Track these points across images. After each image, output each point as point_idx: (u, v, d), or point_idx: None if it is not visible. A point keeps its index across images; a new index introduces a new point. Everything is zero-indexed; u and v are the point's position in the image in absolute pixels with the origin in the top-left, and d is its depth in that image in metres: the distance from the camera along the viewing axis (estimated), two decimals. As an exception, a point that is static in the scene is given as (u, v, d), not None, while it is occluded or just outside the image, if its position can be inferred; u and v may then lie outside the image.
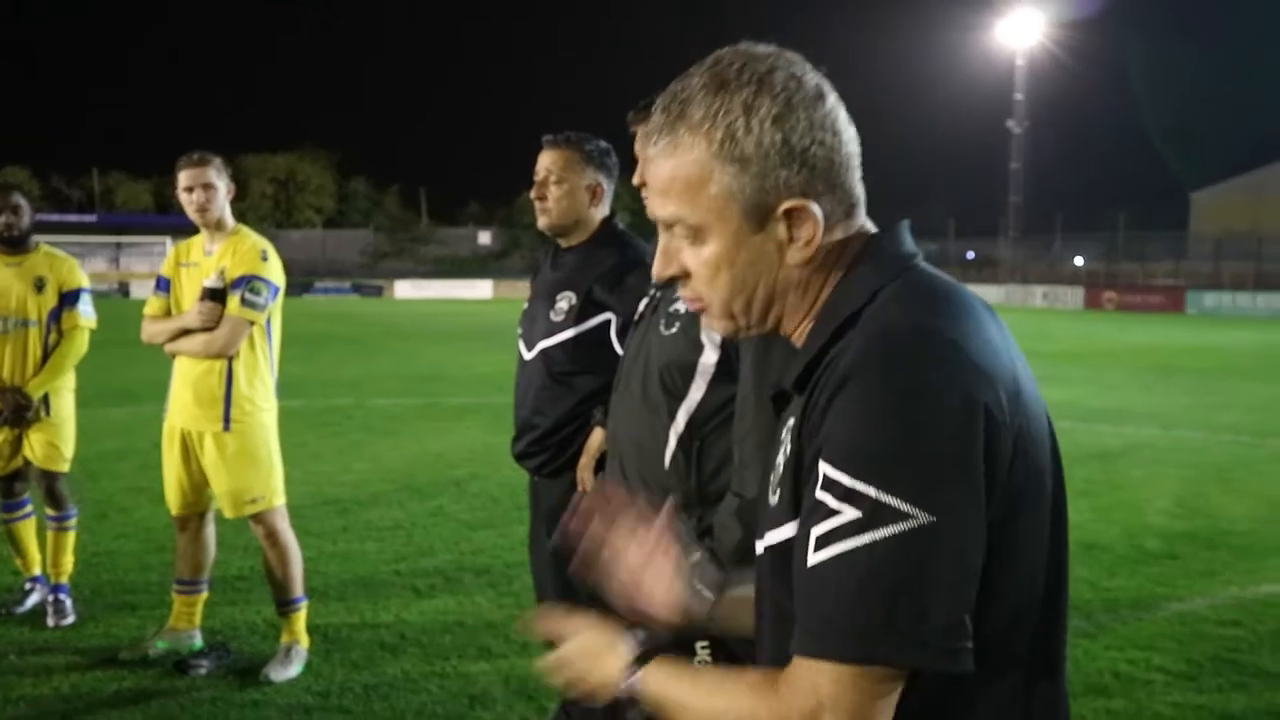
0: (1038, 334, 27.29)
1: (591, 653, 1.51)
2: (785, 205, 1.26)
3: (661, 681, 1.38)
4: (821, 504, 1.13)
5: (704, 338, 2.41)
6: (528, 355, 3.53)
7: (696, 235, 1.30)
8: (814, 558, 1.13)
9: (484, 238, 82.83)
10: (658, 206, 1.33)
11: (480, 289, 64.71)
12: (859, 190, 1.32)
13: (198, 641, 4.68)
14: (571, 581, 3.52)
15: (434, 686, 4.36)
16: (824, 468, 1.14)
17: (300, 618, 4.58)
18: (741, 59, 1.27)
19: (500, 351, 20.80)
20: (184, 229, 4.59)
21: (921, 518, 1.08)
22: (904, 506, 1.08)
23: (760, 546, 1.35)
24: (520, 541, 6.46)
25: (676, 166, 1.28)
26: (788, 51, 1.30)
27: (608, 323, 3.38)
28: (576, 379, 3.41)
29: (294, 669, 4.47)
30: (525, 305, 3.66)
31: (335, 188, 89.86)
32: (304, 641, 4.59)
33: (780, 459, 1.30)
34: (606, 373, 3.29)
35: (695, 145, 1.26)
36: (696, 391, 2.42)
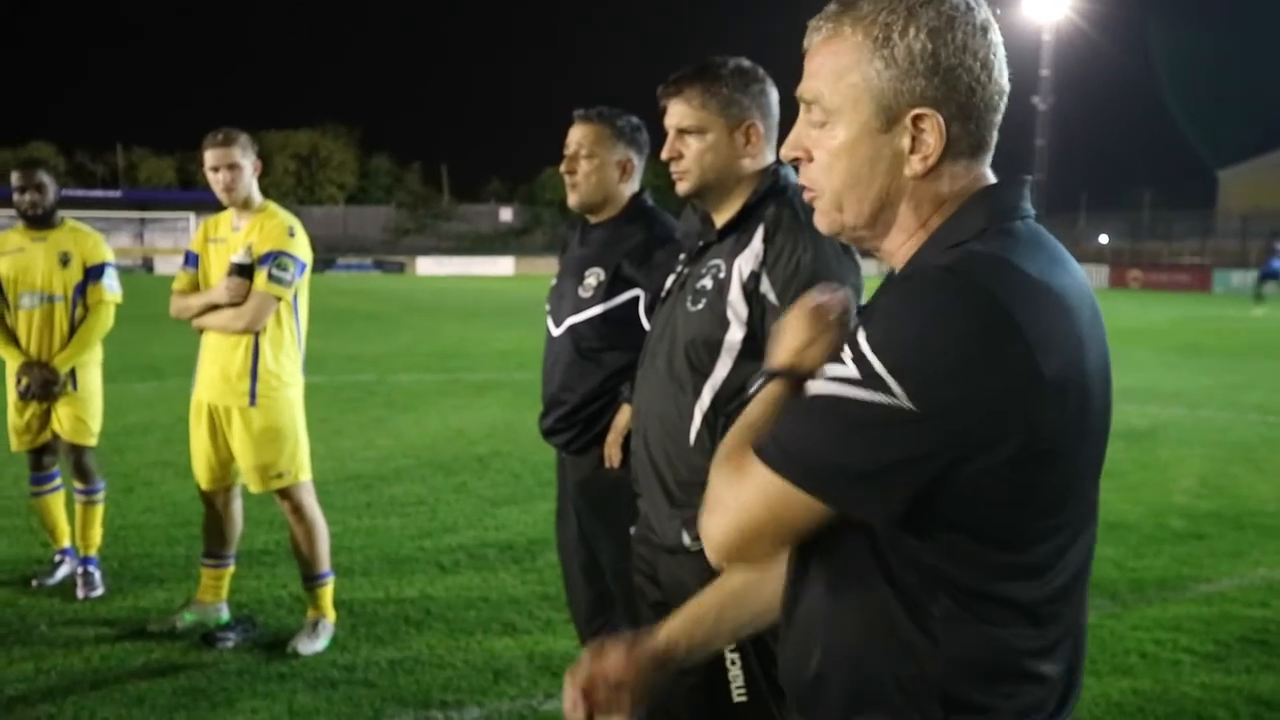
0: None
1: None
2: (915, 111, 1.32)
3: None
4: (841, 359, 1.26)
5: (730, 314, 2.39)
6: (556, 331, 3.52)
7: (829, 119, 1.37)
8: (812, 387, 1.29)
9: (505, 214, 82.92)
10: (805, 84, 1.39)
11: (502, 266, 64.71)
12: (992, 135, 1.38)
13: (225, 614, 4.71)
14: (597, 559, 3.56)
15: (459, 661, 4.39)
16: (859, 333, 1.26)
17: (326, 593, 4.60)
18: None
19: (522, 328, 20.86)
20: (208, 204, 4.62)
21: (904, 402, 1.19)
22: (894, 386, 1.20)
23: None
24: (543, 518, 6.49)
25: (831, 50, 1.36)
26: None
27: (636, 299, 3.37)
28: (605, 355, 3.40)
29: (320, 643, 4.50)
30: (553, 281, 3.65)
31: (357, 164, 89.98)
32: (330, 616, 4.61)
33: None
34: (634, 349, 3.27)
35: (854, 35, 1.34)
36: (722, 368, 2.40)
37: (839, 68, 1.35)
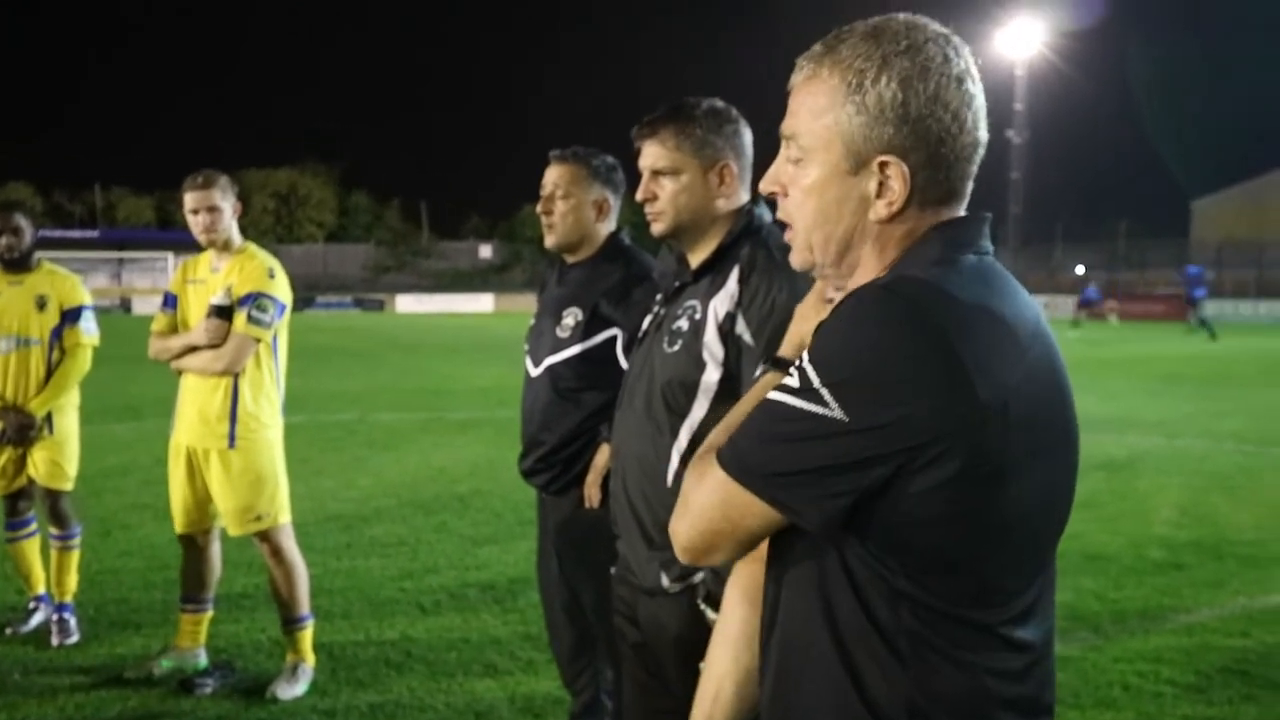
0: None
1: None
2: (881, 158, 1.36)
3: None
4: (791, 369, 1.33)
5: (706, 356, 2.38)
6: (534, 371, 3.52)
7: (804, 156, 1.42)
8: (768, 395, 1.34)
9: (485, 251, 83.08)
10: (786, 121, 1.45)
11: (481, 302, 64.79)
12: (964, 185, 1.42)
13: (203, 660, 4.66)
14: (579, 599, 3.54)
15: (440, 704, 4.34)
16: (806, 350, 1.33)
17: (306, 636, 4.56)
18: (907, 24, 1.38)
19: (502, 365, 20.81)
20: (187, 244, 4.62)
21: (836, 413, 1.25)
22: (827, 396, 1.25)
23: None
24: (524, 557, 6.46)
25: (810, 91, 1.41)
26: (957, 37, 1.39)
27: (614, 338, 3.37)
28: (583, 395, 3.40)
29: (300, 687, 4.45)
30: (532, 321, 3.65)
31: (336, 202, 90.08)
32: (309, 660, 4.57)
33: None
34: (613, 389, 3.27)
35: (831, 78, 1.38)
36: (699, 409, 2.39)
37: (815, 108, 1.39)
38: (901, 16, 1.39)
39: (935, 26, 1.39)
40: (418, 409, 14.36)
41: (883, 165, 1.36)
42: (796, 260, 1.48)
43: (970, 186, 1.42)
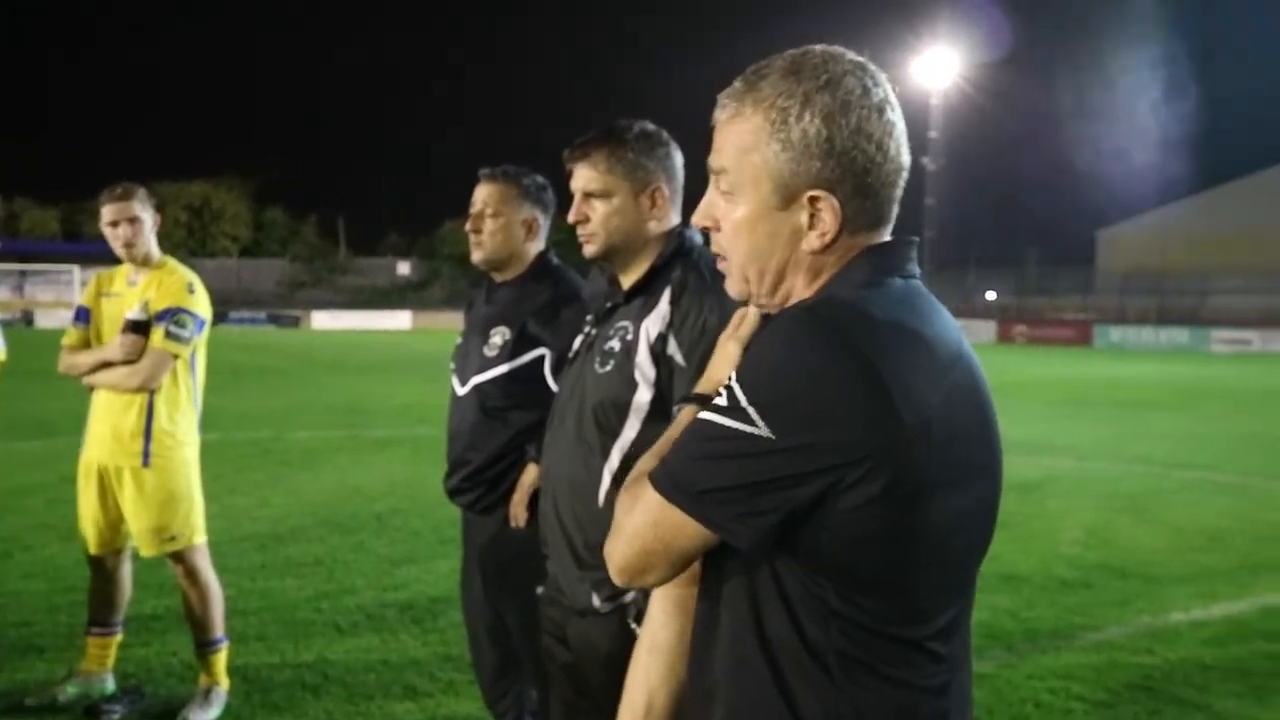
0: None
1: None
2: (810, 193, 1.38)
3: None
4: (720, 390, 1.35)
5: (638, 376, 2.39)
6: (461, 390, 3.50)
7: (733, 192, 1.44)
8: (699, 415, 1.36)
9: (403, 268, 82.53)
10: (713, 157, 1.46)
11: (399, 319, 64.25)
12: (891, 209, 1.44)
13: (110, 685, 4.53)
14: (503, 619, 3.52)
15: (359, 727, 4.29)
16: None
17: (220, 659, 4.46)
18: (825, 57, 1.40)
19: (421, 383, 20.66)
20: (94, 257, 4.54)
21: (763, 431, 1.27)
22: (754, 415, 1.27)
23: None
24: (444, 576, 6.41)
25: (734, 129, 1.42)
26: (873, 66, 1.41)
27: (542, 358, 3.36)
28: (510, 414, 3.38)
29: (213, 712, 4.35)
30: (459, 340, 3.63)
31: (251, 216, 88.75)
32: (223, 683, 4.47)
33: None
34: (540, 408, 3.27)
35: (754, 117, 1.40)
36: (630, 430, 2.40)
37: (741, 146, 1.41)
38: (819, 49, 1.41)
39: (852, 57, 1.41)
40: (334, 427, 14.20)
41: (813, 199, 1.38)
42: (733, 290, 1.50)
43: (896, 209, 1.45)
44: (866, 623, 1.33)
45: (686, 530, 1.34)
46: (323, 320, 62.80)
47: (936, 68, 61.44)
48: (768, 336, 1.35)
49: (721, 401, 1.32)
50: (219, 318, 55.34)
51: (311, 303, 70.07)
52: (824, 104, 1.36)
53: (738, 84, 1.43)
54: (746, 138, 1.40)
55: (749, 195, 1.42)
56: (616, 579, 1.43)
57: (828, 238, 1.39)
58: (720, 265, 1.50)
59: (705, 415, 1.34)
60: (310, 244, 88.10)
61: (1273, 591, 6.60)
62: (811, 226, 1.39)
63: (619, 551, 1.41)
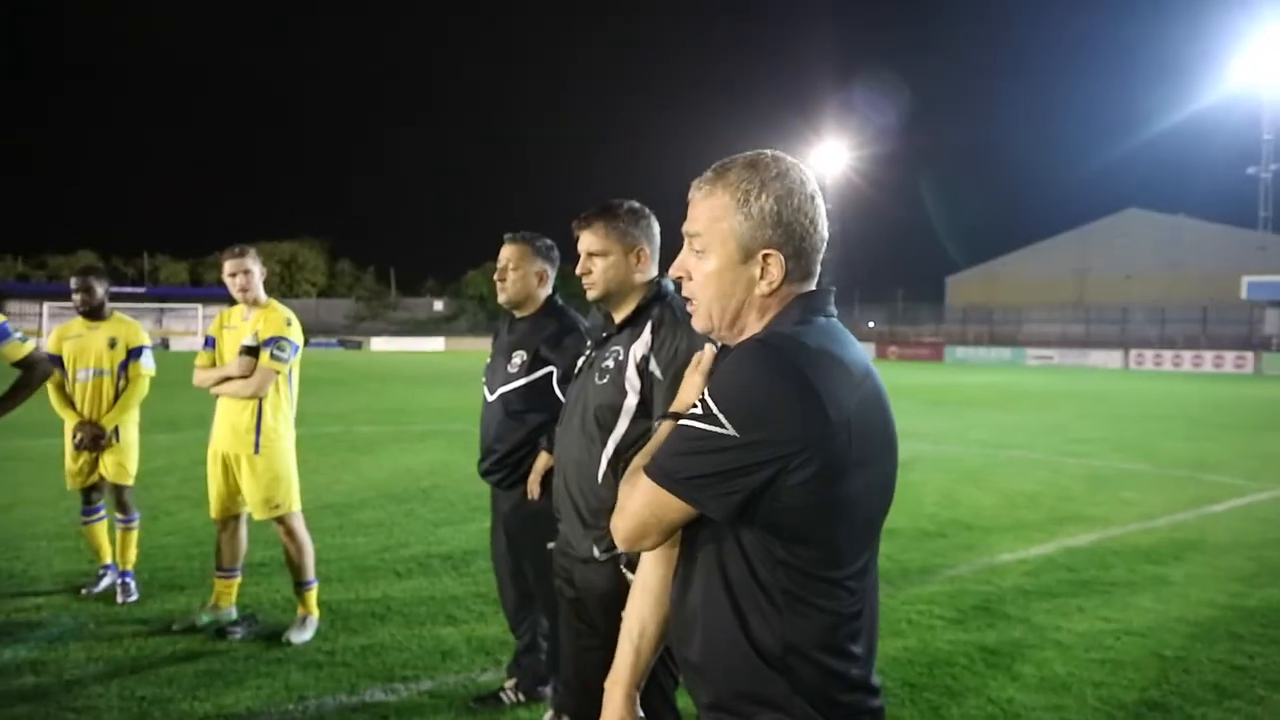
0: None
1: None
2: (764, 251, 1.40)
3: None
4: (696, 401, 1.36)
5: (627, 386, 2.39)
6: (490, 398, 3.49)
7: (705, 251, 1.44)
8: (681, 420, 1.37)
9: (438, 305, 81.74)
10: (689, 224, 1.47)
11: (435, 344, 63.61)
12: (816, 267, 1.46)
13: (234, 614, 4.51)
14: (521, 567, 3.52)
15: (414, 646, 4.27)
16: (708, 384, 1.37)
17: (312, 595, 4.44)
18: (774, 157, 1.43)
19: (452, 391, 20.51)
20: (213, 298, 4.54)
21: (730, 430, 1.29)
22: (722, 417, 1.29)
23: None
24: (474, 535, 6.39)
25: (708, 204, 1.44)
26: (805, 165, 1.45)
27: (550, 374, 3.35)
28: (527, 415, 3.38)
29: (308, 634, 4.33)
30: (488, 360, 3.60)
31: (326, 267, 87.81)
32: (315, 613, 4.45)
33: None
34: (549, 411, 3.29)
35: (723, 195, 1.42)
36: (621, 426, 2.40)
37: (713, 216, 1.42)
38: (769, 152, 1.44)
39: (790, 158, 1.44)
40: (388, 423, 14.05)
41: (765, 256, 1.41)
42: (699, 325, 1.50)
43: (819, 268, 1.48)
44: (802, 567, 1.34)
45: (674, 507, 1.35)
46: (379, 344, 62.03)
47: (829, 156, 61.74)
48: (731, 362, 1.36)
49: (698, 411, 1.33)
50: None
51: (370, 331, 69.28)
52: (776, 190, 1.40)
53: (709, 173, 1.45)
54: (718, 210, 1.42)
55: (718, 253, 1.43)
56: (622, 546, 1.42)
57: (774, 285, 1.41)
58: (690, 307, 1.50)
59: (686, 422, 1.34)
60: (369, 287, 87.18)
61: (1070, 537, 6.69)
62: (762, 276, 1.42)
63: (624, 526, 1.40)
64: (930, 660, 4.14)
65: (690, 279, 1.48)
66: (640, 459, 1.44)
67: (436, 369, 32.79)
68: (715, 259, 1.43)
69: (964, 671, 4.02)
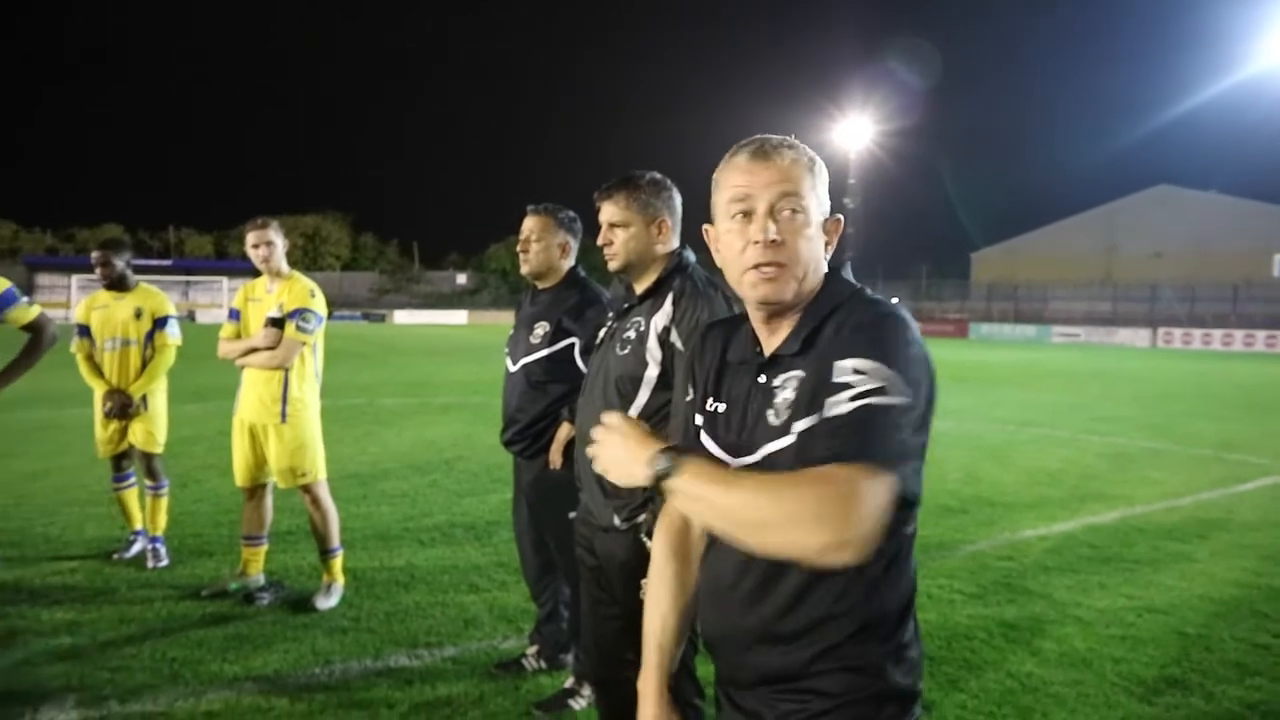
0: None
1: (629, 439, 1.35)
2: (831, 216, 1.45)
3: (698, 467, 1.24)
4: (852, 382, 1.24)
5: (648, 357, 2.39)
6: (513, 369, 3.50)
7: (799, 212, 1.41)
8: (849, 405, 1.23)
9: (461, 279, 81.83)
10: (781, 184, 1.40)
11: (458, 317, 63.82)
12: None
13: (261, 580, 4.58)
14: (543, 536, 3.55)
15: (437, 613, 4.32)
16: (857, 362, 1.25)
17: (337, 562, 4.51)
18: (803, 145, 1.47)
19: (475, 364, 20.59)
20: (238, 271, 4.55)
21: (909, 397, 1.24)
22: (904, 387, 1.24)
23: (752, 459, 1.38)
24: (497, 505, 6.44)
25: (797, 167, 1.41)
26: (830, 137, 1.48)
27: (572, 345, 3.36)
28: (549, 386, 3.38)
29: (333, 600, 4.40)
30: (510, 331, 3.61)
31: (350, 240, 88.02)
32: (340, 580, 4.52)
33: (789, 394, 1.35)
34: (571, 381, 3.30)
35: (805, 162, 1.42)
36: (642, 397, 2.41)
37: (805, 184, 1.42)
38: (792, 138, 1.45)
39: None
40: (411, 396, 14.16)
41: (833, 220, 1.45)
42: (788, 291, 1.41)
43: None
44: (903, 530, 1.36)
45: (889, 490, 1.19)
46: (402, 317, 62.32)
47: (853, 132, 61.01)
48: (882, 334, 1.30)
49: (870, 384, 1.25)
50: (326, 316, 55.08)
51: (394, 304, 69.60)
52: (822, 166, 1.44)
53: (775, 140, 1.43)
54: (804, 175, 1.41)
55: (813, 214, 1.42)
56: (862, 556, 1.16)
57: (831, 250, 1.44)
58: (771, 273, 1.39)
59: (876, 400, 1.22)
60: (393, 261, 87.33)
61: (1094, 514, 6.65)
62: (827, 242, 1.44)
63: (869, 531, 1.15)
64: (949, 634, 4.14)
65: (781, 243, 1.38)
66: (834, 451, 1.20)
67: (459, 342, 32.93)
68: (813, 217, 1.41)
69: (983, 646, 4.02)
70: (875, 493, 1.16)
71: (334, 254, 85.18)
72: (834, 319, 1.36)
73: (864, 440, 1.19)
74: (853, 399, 1.22)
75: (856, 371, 1.24)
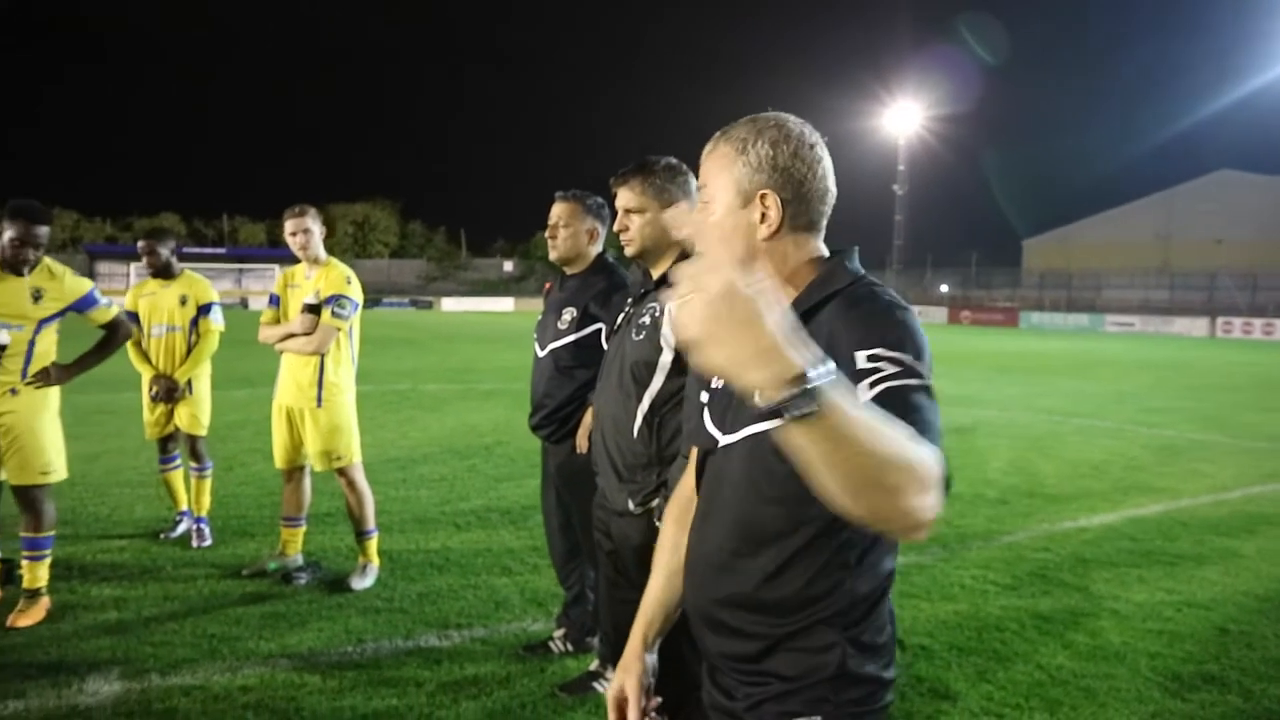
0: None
1: (760, 336, 0.94)
2: (761, 192, 1.38)
3: (844, 393, 0.95)
4: (870, 369, 1.22)
5: (663, 342, 2.39)
6: (541, 354, 3.53)
7: (709, 202, 1.42)
8: (868, 394, 1.19)
9: (507, 266, 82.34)
10: (698, 182, 1.46)
11: (504, 304, 64.31)
12: (822, 218, 1.42)
13: (300, 561, 4.68)
14: (571, 520, 3.57)
15: (469, 595, 4.38)
16: (871, 350, 1.23)
17: (372, 544, 4.59)
18: (775, 113, 1.43)
19: (518, 351, 20.74)
20: (290, 258, 4.59)
21: (927, 379, 1.23)
22: (923, 370, 1.23)
23: (732, 438, 1.37)
24: (532, 491, 6.48)
25: (711, 159, 1.43)
26: (809, 125, 1.43)
27: (599, 330, 3.36)
28: (576, 371, 3.40)
29: (368, 581, 4.49)
30: (539, 317, 3.65)
31: (399, 228, 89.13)
32: (375, 561, 4.60)
33: None
34: (598, 367, 3.31)
35: (725, 147, 1.41)
36: (657, 382, 2.41)
37: (717, 168, 1.41)
38: (769, 112, 1.43)
39: (794, 117, 1.42)
40: (454, 382, 14.31)
41: (762, 197, 1.38)
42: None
43: (824, 221, 1.43)
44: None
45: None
46: (449, 304, 63.02)
47: (903, 117, 60.05)
48: (889, 324, 1.28)
49: (889, 370, 1.22)
50: (374, 303, 55.97)
51: (441, 291, 70.38)
52: (771, 136, 1.38)
53: (719, 133, 1.44)
54: (721, 161, 1.41)
55: (720, 199, 1.41)
56: (926, 531, 1.06)
57: (774, 228, 1.38)
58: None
59: (902, 381, 1.21)
60: (440, 248, 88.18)
61: (1136, 506, 6.51)
62: (762, 220, 1.38)
63: (933, 505, 1.04)
64: (980, 625, 4.09)
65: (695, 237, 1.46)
66: (910, 432, 1.07)
67: (504, 329, 33.21)
68: (718, 206, 1.41)
69: (1014, 637, 3.96)
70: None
71: (383, 241, 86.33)
72: (831, 307, 1.33)
73: (915, 424, 1.13)
74: (877, 382, 1.20)
75: (876, 359, 1.22)
